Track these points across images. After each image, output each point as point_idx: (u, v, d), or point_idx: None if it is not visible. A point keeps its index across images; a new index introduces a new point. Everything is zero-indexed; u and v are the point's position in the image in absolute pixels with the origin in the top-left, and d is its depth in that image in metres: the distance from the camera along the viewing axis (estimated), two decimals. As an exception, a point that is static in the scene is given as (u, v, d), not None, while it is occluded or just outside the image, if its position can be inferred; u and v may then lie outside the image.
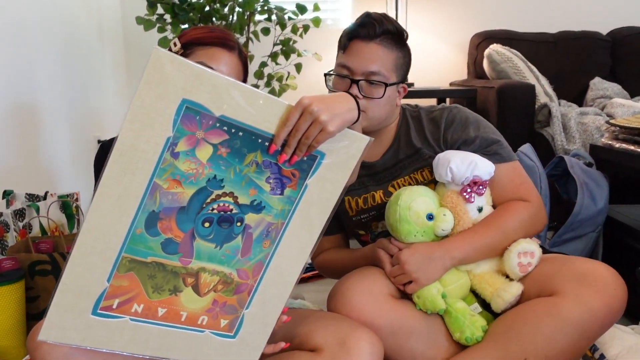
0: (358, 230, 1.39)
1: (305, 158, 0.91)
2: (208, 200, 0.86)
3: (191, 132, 0.82)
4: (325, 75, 1.31)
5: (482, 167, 1.18)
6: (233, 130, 0.84)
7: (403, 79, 1.30)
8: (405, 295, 1.22)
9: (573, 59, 2.77)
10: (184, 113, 0.80)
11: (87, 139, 2.51)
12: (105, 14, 2.77)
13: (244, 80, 1.19)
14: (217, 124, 0.83)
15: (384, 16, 1.26)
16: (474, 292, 1.22)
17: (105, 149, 1.25)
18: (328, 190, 0.94)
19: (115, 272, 0.84)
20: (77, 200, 1.82)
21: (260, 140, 0.87)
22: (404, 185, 1.30)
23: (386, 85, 1.23)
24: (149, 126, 0.79)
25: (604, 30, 2.88)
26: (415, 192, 1.20)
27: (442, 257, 1.16)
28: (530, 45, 2.77)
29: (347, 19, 3.07)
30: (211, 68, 1.07)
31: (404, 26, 2.87)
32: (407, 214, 1.18)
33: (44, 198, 1.75)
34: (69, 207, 1.78)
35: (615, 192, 1.61)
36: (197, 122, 0.81)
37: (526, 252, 1.16)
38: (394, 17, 2.89)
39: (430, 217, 1.18)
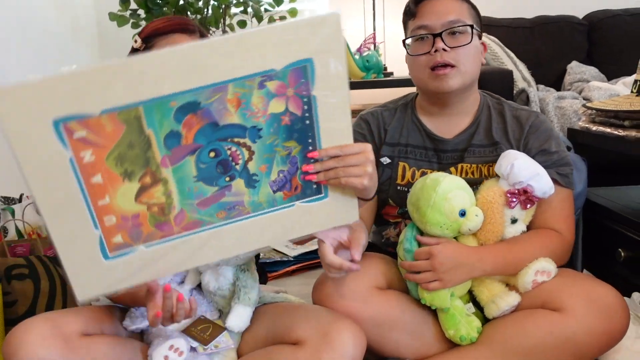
0: (392, 199, 1.32)
1: (314, 186, 0.91)
2: (235, 139, 0.85)
3: (288, 84, 0.83)
4: (403, 42, 1.28)
5: (542, 182, 1.15)
6: (305, 114, 0.86)
7: (481, 32, 1.26)
8: (390, 286, 1.21)
9: (550, 44, 2.77)
10: (299, 68, 0.82)
11: (64, 139, 2.47)
12: (78, 11, 2.72)
13: None
14: (305, 99, 0.85)
15: None
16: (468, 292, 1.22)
17: None
18: (304, 223, 0.94)
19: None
20: (54, 201, 1.79)
21: (310, 140, 0.88)
22: (469, 171, 1.26)
23: (472, 27, 1.20)
24: None
25: (580, 14, 2.89)
26: (455, 184, 1.15)
27: (474, 265, 1.13)
28: (507, 30, 2.77)
29: (324, 10, 3.05)
30: None
31: (381, 16, 2.87)
32: (442, 204, 1.12)
33: (20, 201, 1.72)
34: (45, 208, 1.75)
35: (594, 175, 1.61)
36: (302, 80, 0.83)
37: (544, 272, 1.14)
38: (371, 7, 2.89)
39: (462, 213, 1.14)
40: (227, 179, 0.88)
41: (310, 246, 2.12)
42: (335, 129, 0.88)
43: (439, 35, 1.19)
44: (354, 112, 2.49)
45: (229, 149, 0.86)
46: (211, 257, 0.92)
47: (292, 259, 2.05)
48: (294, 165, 0.89)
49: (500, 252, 1.15)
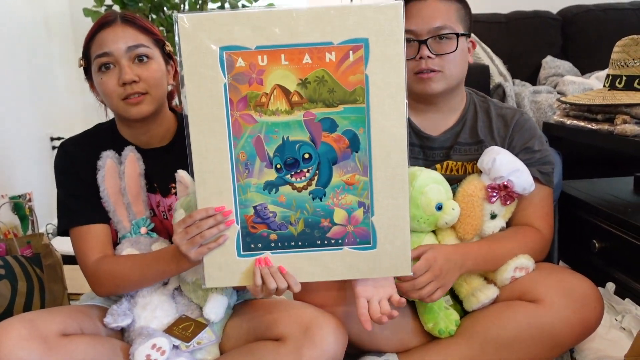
0: None
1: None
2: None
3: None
4: None
5: (522, 178, 1.16)
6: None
7: (469, 31, 1.24)
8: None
9: (525, 39, 2.80)
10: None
11: (39, 137, 2.43)
12: (51, 6, 2.67)
13: (159, 38, 1.20)
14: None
15: None
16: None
17: (66, 150, 1.21)
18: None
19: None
20: (30, 200, 1.77)
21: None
22: (454, 168, 1.26)
23: (457, 35, 1.17)
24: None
25: (554, 9, 2.92)
26: (431, 178, 1.16)
27: (458, 263, 1.11)
28: (483, 26, 2.79)
29: (302, 5, 3.03)
30: (106, 54, 1.12)
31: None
32: (419, 198, 1.12)
33: (-6, 200, 1.70)
34: (21, 208, 1.73)
35: (569, 168, 1.64)
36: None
37: (522, 268, 1.15)
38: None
39: (439, 207, 1.14)
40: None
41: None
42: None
43: (425, 42, 1.16)
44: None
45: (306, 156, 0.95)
46: None
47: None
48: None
49: (481, 250, 1.16)
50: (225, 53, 0.89)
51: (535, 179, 1.20)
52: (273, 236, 0.96)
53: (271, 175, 0.94)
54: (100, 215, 1.17)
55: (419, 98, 1.25)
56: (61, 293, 1.53)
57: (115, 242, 1.19)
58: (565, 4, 2.95)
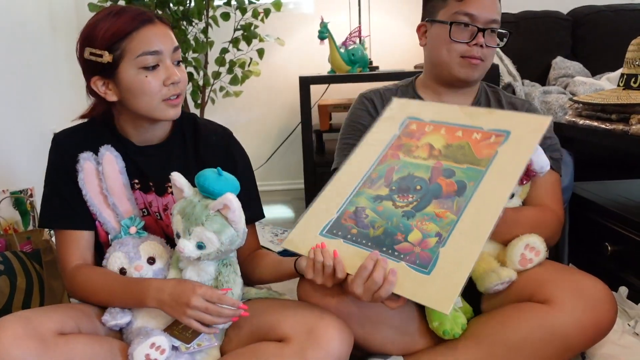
0: None
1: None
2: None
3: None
4: (450, 24, 1.23)
5: (540, 157, 1.17)
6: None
7: None
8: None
9: (535, 39, 2.77)
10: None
11: (42, 132, 2.40)
12: (56, 1, 2.66)
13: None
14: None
15: None
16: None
17: (58, 142, 1.19)
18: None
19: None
20: (31, 196, 1.75)
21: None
22: None
23: (510, 33, 1.26)
24: None
25: (565, 9, 2.89)
26: None
27: None
28: (493, 25, 2.76)
29: (309, 2, 3.01)
30: (156, 53, 1.08)
31: (367, 8, 2.85)
32: None
33: (-5, 195, 1.68)
34: (22, 203, 1.71)
35: (580, 169, 1.61)
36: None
37: (533, 248, 1.14)
38: (357, 1, 2.87)
39: None
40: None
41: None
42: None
43: (484, 31, 1.22)
44: (341, 107, 2.54)
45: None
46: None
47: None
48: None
49: (505, 214, 1.13)
50: (408, 120, 1.17)
51: None
52: (354, 230, 1.04)
53: (384, 191, 1.08)
54: (84, 221, 1.16)
55: (444, 80, 1.31)
56: (61, 290, 1.51)
57: (107, 244, 1.17)
58: (576, 5, 2.92)
